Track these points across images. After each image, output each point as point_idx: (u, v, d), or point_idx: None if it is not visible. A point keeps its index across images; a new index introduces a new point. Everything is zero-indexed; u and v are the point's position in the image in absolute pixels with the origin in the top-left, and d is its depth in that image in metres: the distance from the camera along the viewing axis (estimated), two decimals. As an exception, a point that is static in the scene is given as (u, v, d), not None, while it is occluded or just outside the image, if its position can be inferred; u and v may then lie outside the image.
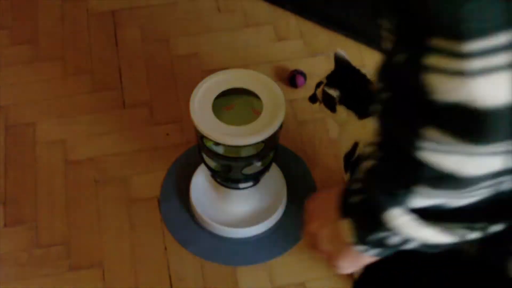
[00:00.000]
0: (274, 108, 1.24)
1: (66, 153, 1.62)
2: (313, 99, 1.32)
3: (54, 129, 1.67)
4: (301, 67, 1.76)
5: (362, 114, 1.23)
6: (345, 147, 1.28)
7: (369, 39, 1.86)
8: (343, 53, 1.30)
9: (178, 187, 1.56)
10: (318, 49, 1.85)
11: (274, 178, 1.54)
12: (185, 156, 1.61)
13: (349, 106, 1.24)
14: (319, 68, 1.74)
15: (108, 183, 1.57)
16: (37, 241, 1.47)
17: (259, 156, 1.28)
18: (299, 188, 1.56)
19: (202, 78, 1.28)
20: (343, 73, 1.28)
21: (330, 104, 1.26)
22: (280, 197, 1.51)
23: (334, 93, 1.24)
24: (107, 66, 1.81)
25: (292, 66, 1.78)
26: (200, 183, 1.53)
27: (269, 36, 1.90)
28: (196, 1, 2.00)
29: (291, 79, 1.73)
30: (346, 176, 1.32)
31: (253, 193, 1.48)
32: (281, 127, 1.24)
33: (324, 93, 1.26)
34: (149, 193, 1.55)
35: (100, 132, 1.66)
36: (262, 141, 1.22)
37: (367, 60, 1.84)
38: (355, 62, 1.84)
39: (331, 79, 1.28)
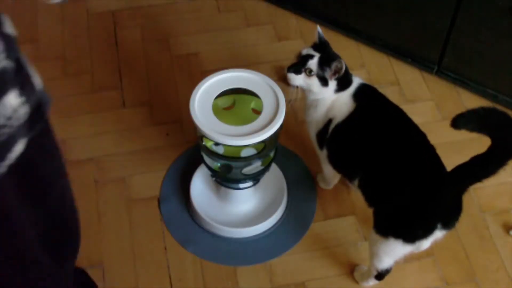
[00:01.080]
0: (274, 108, 1.24)
1: (66, 153, 1.61)
2: (298, 70, 1.28)
3: (53, 129, 1.66)
4: (301, 67, 1.76)
5: (342, 87, 1.30)
6: (316, 125, 1.35)
7: (369, 39, 1.86)
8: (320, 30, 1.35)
9: (178, 187, 1.56)
10: (318, 49, 1.85)
11: (274, 178, 1.54)
12: (185, 156, 1.61)
13: (339, 79, 1.29)
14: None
15: (108, 183, 1.57)
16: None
17: (259, 156, 1.28)
18: (299, 188, 1.56)
19: (202, 78, 1.28)
20: (326, 46, 1.32)
21: (323, 77, 1.28)
22: (280, 197, 1.51)
23: (343, 65, 1.27)
24: (107, 66, 1.81)
25: (292, 66, 1.78)
26: (200, 183, 1.53)
27: (269, 36, 1.90)
28: (196, 1, 2.00)
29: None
30: (321, 153, 1.38)
31: (253, 193, 1.48)
32: (281, 127, 1.24)
33: (332, 65, 1.26)
34: (149, 193, 1.55)
35: (100, 132, 1.66)
36: (262, 141, 1.22)
37: (366, 60, 1.84)
38: (355, 61, 1.85)
39: (324, 53, 1.30)
